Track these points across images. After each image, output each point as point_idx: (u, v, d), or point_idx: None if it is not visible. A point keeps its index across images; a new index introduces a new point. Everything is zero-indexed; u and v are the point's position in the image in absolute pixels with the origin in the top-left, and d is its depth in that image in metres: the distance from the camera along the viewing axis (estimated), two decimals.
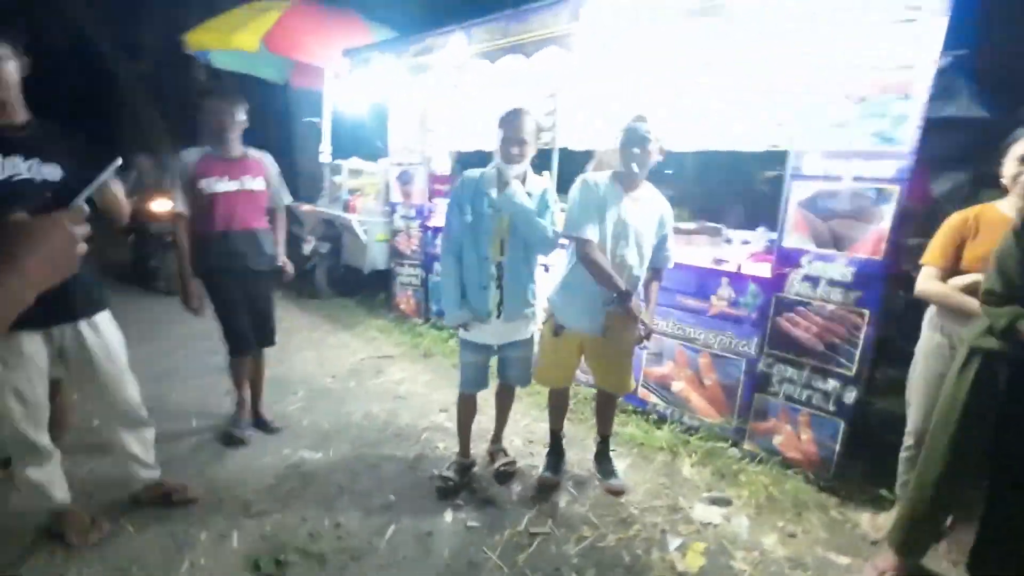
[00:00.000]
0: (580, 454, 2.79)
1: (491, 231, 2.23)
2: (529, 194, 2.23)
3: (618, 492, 2.47)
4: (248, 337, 2.79)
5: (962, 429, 1.67)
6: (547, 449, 2.68)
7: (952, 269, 1.85)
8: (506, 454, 2.72)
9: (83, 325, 1.94)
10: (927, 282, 1.87)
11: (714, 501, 2.46)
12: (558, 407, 2.62)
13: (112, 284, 6.10)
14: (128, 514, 2.23)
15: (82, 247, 0.66)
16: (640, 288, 2.31)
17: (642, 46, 2.63)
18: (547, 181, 2.39)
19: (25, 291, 0.59)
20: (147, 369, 3.71)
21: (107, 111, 10.49)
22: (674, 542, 2.21)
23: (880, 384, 3.13)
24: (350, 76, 4.29)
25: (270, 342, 2.94)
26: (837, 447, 2.44)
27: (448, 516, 2.34)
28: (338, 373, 3.87)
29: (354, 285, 5.59)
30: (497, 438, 2.75)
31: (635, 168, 2.11)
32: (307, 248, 5.57)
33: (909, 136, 2.11)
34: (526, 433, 3.08)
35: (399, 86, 4.11)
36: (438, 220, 4.43)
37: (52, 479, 1.99)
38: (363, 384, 3.70)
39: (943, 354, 1.96)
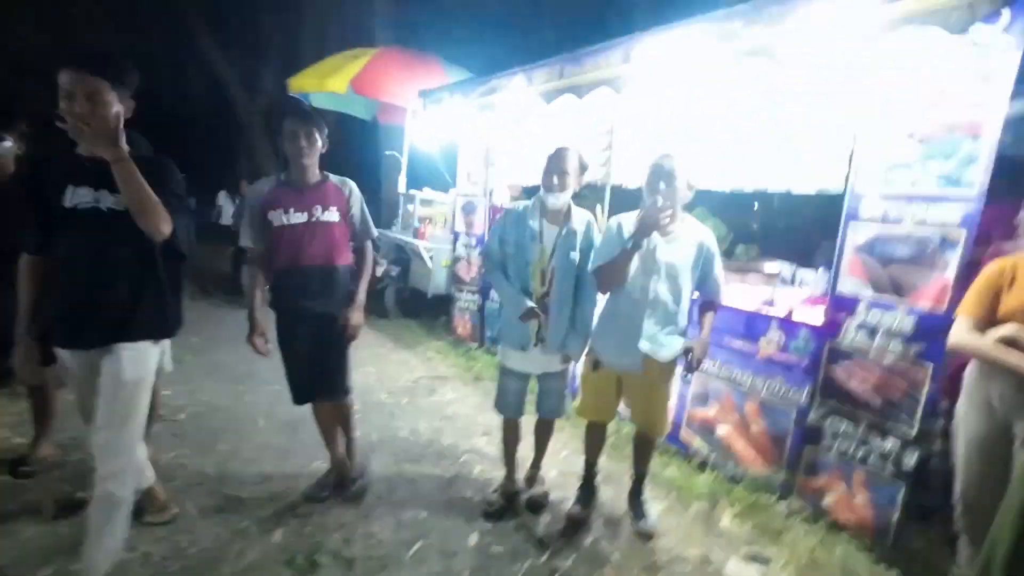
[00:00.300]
0: (617, 492, 2.73)
1: (532, 261, 2.34)
2: (574, 231, 2.33)
3: (647, 535, 2.40)
4: (304, 387, 2.51)
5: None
6: (580, 482, 2.66)
7: (989, 320, 1.69)
8: (543, 483, 2.74)
9: (104, 351, 1.86)
10: (962, 334, 1.71)
11: (751, 558, 2.32)
12: (594, 442, 2.60)
13: (216, 293, 6.91)
14: (195, 499, 2.51)
15: None
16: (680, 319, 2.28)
17: (692, 86, 2.65)
18: (589, 215, 2.45)
19: None
20: (228, 371, 4.18)
21: (232, 146, 12.04)
22: None
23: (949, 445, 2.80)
24: (425, 114, 4.64)
25: (330, 395, 2.57)
26: (896, 513, 2.22)
27: (474, 539, 2.39)
28: (394, 389, 4.09)
29: (419, 307, 5.89)
30: (535, 465, 2.78)
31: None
32: (380, 271, 5.98)
33: (978, 178, 1.96)
34: (563, 465, 3.08)
35: (467, 123, 4.39)
36: None
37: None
38: (415, 401, 3.88)
39: (983, 413, 1.78)
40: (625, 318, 2.27)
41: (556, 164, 2.30)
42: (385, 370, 4.49)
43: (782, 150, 2.65)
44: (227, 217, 7.73)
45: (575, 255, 2.35)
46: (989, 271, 1.82)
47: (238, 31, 10.72)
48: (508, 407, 2.56)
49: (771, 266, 3.30)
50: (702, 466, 2.94)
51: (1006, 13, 1.84)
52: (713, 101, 2.85)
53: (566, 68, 3.14)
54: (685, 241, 2.20)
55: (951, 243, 2.03)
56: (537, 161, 4.27)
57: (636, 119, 3.27)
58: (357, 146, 9.99)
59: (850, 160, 2.32)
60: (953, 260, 2.03)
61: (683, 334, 2.28)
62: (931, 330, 2.09)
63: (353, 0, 9.38)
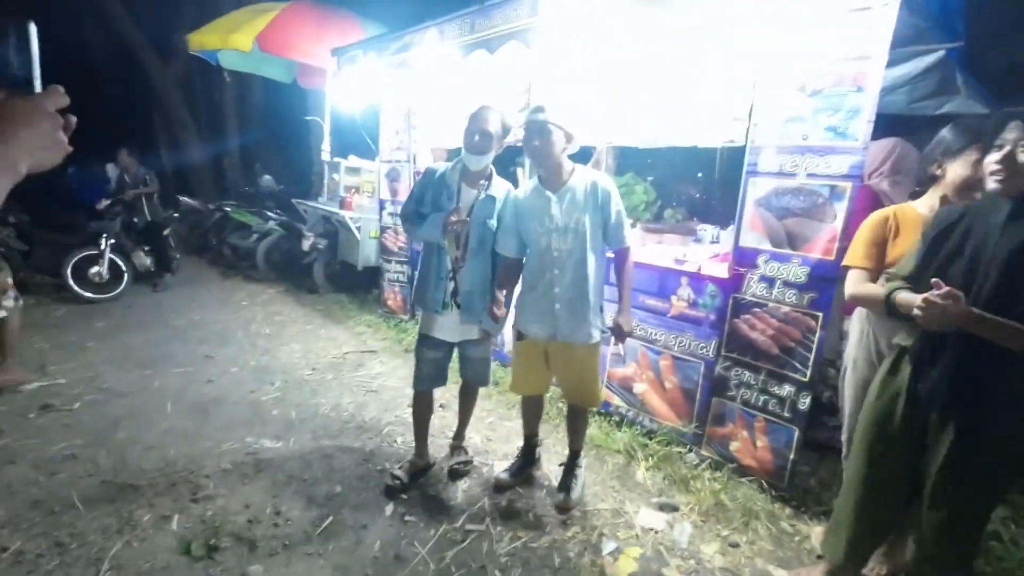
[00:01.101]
0: (544, 459, 2.73)
1: None
2: (492, 197, 2.27)
3: (563, 509, 2.35)
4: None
5: (881, 440, 1.57)
6: (517, 451, 2.63)
7: (879, 270, 1.75)
8: (465, 452, 2.71)
9: None
10: (856, 285, 1.76)
11: (661, 507, 2.40)
12: (529, 414, 2.56)
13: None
14: (82, 492, 2.33)
15: (69, 122, 0.66)
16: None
17: (597, 40, 2.58)
18: (509, 185, 2.38)
19: (19, 167, 0.61)
20: (135, 356, 3.89)
21: (146, 112, 11.01)
22: (609, 546, 2.16)
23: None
24: (340, 75, 4.36)
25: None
26: (791, 455, 2.34)
27: (388, 509, 2.35)
28: (319, 365, 3.94)
29: (350, 281, 5.68)
30: (459, 435, 2.74)
31: (541, 160, 2.13)
32: (307, 244, 5.70)
33: (862, 130, 2.01)
34: (487, 431, 3.08)
35: (385, 84, 4.16)
36: None
37: None
38: (340, 377, 3.75)
39: (870, 359, 1.88)
40: (536, 284, 2.24)
41: (476, 124, 2.21)
42: (311, 346, 4.32)
43: (689, 103, 2.64)
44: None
45: (492, 223, 2.28)
46: (872, 222, 1.83)
47: None
48: (425, 378, 2.49)
49: (693, 227, 3.35)
50: (620, 423, 3.00)
51: None
52: (622, 55, 2.79)
53: (477, 21, 2.99)
54: (576, 189, 2.15)
55: (839, 194, 2.09)
56: (459, 122, 4.18)
57: (551, 75, 3.17)
58: (283, 112, 9.40)
59: (750, 114, 2.33)
60: (841, 211, 2.09)
61: (598, 295, 2.22)
62: (822, 280, 2.17)
63: None
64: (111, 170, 6.50)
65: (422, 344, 2.47)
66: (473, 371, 2.53)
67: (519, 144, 3.55)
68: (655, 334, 2.82)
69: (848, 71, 2.03)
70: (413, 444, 2.73)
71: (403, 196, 4.55)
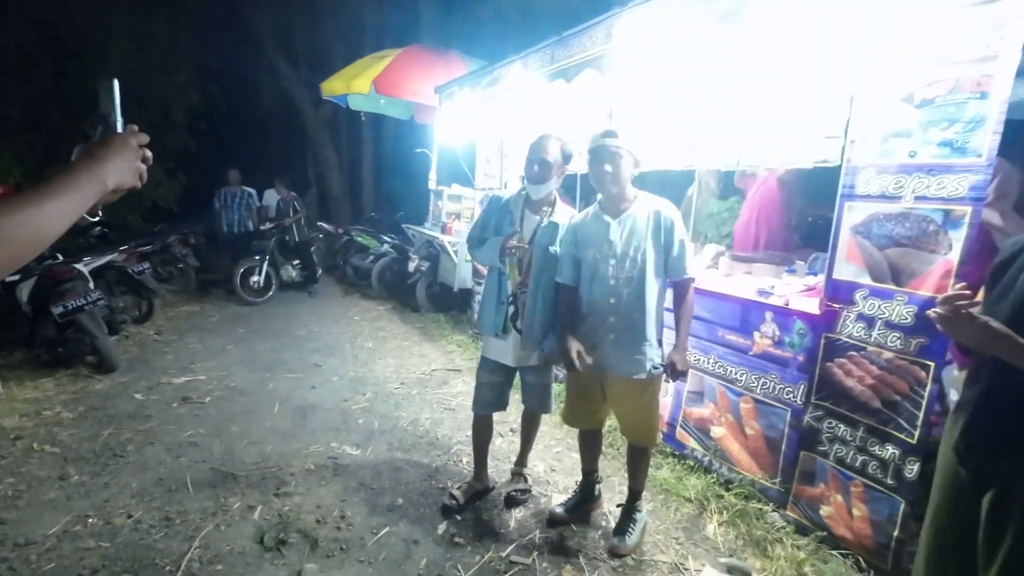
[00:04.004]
0: (606, 498, 2.59)
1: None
2: (555, 224, 2.29)
3: (616, 554, 2.21)
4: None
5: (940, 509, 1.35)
6: (576, 484, 2.55)
7: None
8: (525, 480, 2.69)
9: None
10: None
11: (729, 569, 2.13)
12: (586, 448, 2.47)
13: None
14: (195, 475, 2.71)
15: (147, 156, 0.83)
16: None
17: (675, 61, 2.48)
18: (574, 211, 2.39)
19: (107, 183, 0.77)
20: (260, 361, 4.47)
21: (301, 150, 12.92)
22: None
23: None
24: (442, 109, 4.70)
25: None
26: (896, 531, 1.95)
27: (441, 528, 2.39)
28: (407, 380, 4.19)
29: (448, 301, 5.98)
30: (520, 461, 2.73)
31: (607, 186, 2.05)
32: (412, 265, 6.14)
33: (987, 144, 1.66)
34: (553, 460, 3.01)
35: (479, 116, 4.39)
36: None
37: None
38: (424, 393, 3.95)
39: None
40: (590, 313, 2.18)
41: (535, 153, 2.25)
42: (404, 362, 4.61)
43: (777, 122, 2.39)
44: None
45: (554, 249, 2.27)
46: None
47: (303, 47, 11.43)
48: (483, 402, 2.51)
49: (790, 256, 3.02)
50: (695, 468, 2.74)
51: None
52: (701, 75, 2.63)
53: (557, 52, 3.05)
54: (638, 217, 2.07)
55: (955, 220, 1.74)
56: None
57: (630, 100, 3.10)
58: (407, 146, 10.33)
59: (846, 131, 2.05)
60: (958, 240, 1.74)
61: (656, 327, 2.11)
62: (933, 322, 1.80)
63: (403, 9, 9.71)
64: (269, 196, 7.74)
65: (482, 367, 2.50)
66: (532, 397, 2.51)
67: None
68: (735, 373, 2.55)
69: (968, 75, 1.70)
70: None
71: None
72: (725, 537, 2.32)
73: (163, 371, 4.16)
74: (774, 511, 2.37)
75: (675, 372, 2.05)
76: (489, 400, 2.50)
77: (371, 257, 7.19)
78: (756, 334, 2.44)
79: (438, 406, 3.72)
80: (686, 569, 2.15)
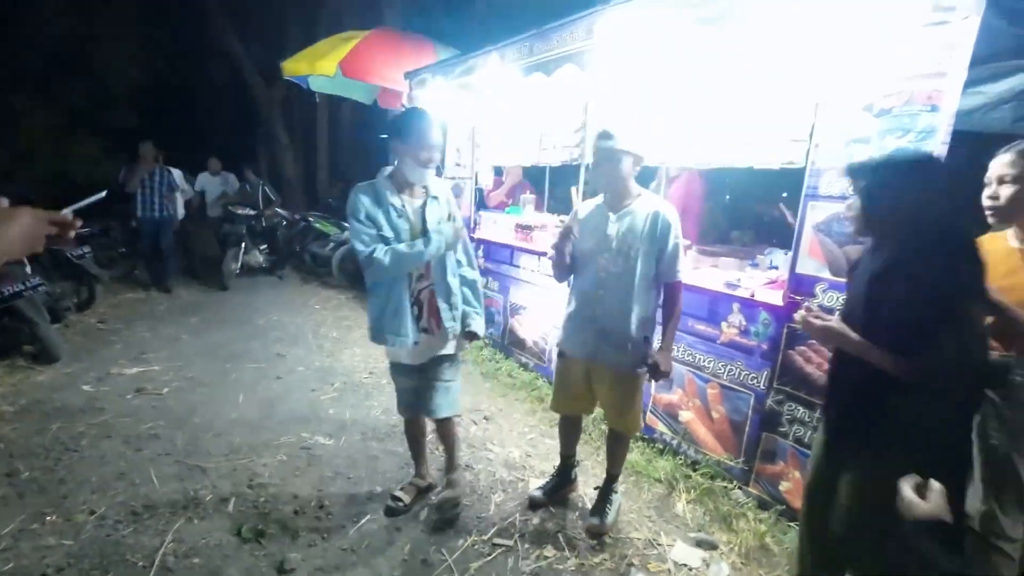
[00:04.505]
0: (581, 481, 2.69)
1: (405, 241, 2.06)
2: (436, 196, 2.14)
3: (594, 533, 2.30)
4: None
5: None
6: (554, 468, 2.62)
7: None
8: (455, 486, 2.45)
9: None
10: None
11: (698, 543, 2.28)
12: (566, 434, 2.53)
13: (212, 279, 7.10)
14: (159, 469, 2.61)
15: (57, 219, 0.90)
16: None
17: (653, 61, 2.57)
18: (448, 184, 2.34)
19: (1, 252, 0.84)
20: (220, 351, 4.29)
21: (251, 130, 12.30)
22: None
23: None
24: (412, 96, 4.63)
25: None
26: None
27: (422, 515, 2.42)
28: (376, 370, 4.14)
29: None
30: (450, 466, 2.52)
31: (607, 184, 2.12)
32: None
33: (937, 152, 1.84)
34: (528, 447, 3.08)
35: (451, 105, 4.36)
36: (483, 232, 4.59)
37: None
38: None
39: None
40: (580, 302, 2.24)
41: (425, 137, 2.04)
42: (374, 352, 4.53)
43: (748, 124, 2.53)
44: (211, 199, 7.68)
45: (444, 225, 2.10)
46: None
47: (257, 23, 10.87)
48: (404, 404, 2.39)
49: (752, 250, 3.20)
50: (663, 451, 2.89)
51: None
52: (677, 75, 2.75)
53: (535, 45, 3.08)
54: (638, 214, 2.12)
55: None
56: (520, 141, 4.27)
57: (607, 96, 3.18)
58: (368, 131, 10.08)
59: (811, 135, 2.21)
60: None
61: (642, 326, 2.14)
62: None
63: None
64: (204, 181, 7.52)
65: (395, 372, 2.34)
66: (443, 399, 2.29)
67: (575, 163, 3.61)
68: (703, 361, 2.70)
69: (921, 89, 1.87)
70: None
71: (464, 211, 4.70)
72: (693, 514, 2.47)
73: (112, 361, 3.93)
74: (738, 488, 2.54)
75: (658, 373, 2.10)
76: (411, 403, 2.35)
77: (331, 245, 7.01)
78: (724, 324, 2.59)
79: None
80: (659, 545, 2.28)
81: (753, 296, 2.51)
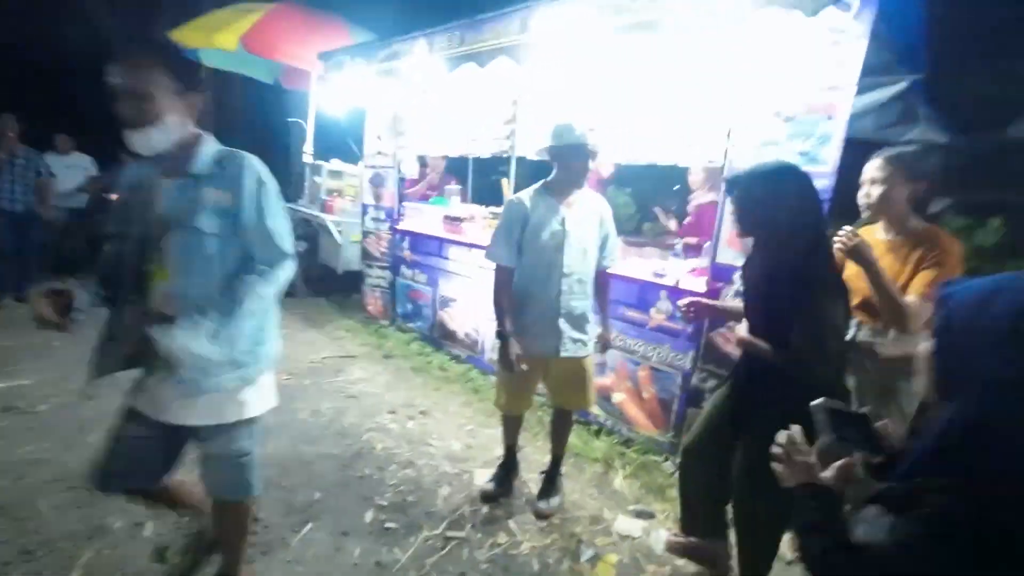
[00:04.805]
0: (523, 467, 2.73)
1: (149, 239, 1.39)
2: (199, 175, 1.40)
3: (544, 516, 2.38)
4: None
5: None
6: (498, 460, 2.64)
7: None
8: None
9: None
10: None
11: (637, 514, 2.46)
12: (513, 427, 2.54)
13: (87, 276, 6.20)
14: (50, 497, 2.26)
15: None
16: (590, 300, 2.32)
17: (587, 58, 2.67)
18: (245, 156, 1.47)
19: None
20: None
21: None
22: (587, 553, 2.21)
23: None
24: (326, 79, 4.37)
25: None
26: None
27: (368, 516, 2.35)
28: (297, 370, 3.90)
29: (330, 285, 5.64)
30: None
31: (580, 180, 2.18)
32: None
33: (832, 156, 2.12)
34: (468, 438, 3.09)
35: (372, 90, 4.18)
36: (407, 223, 4.48)
37: None
38: (319, 382, 3.73)
39: None
40: (540, 297, 2.22)
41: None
42: (289, 351, 4.16)
43: (673, 123, 2.73)
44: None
45: (213, 220, 1.36)
46: None
47: None
48: (105, 477, 1.53)
49: (673, 241, 3.46)
50: (599, 432, 3.06)
51: (855, 1, 1.99)
52: (609, 74, 2.88)
53: (467, 35, 3.05)
54: (589, 209, 2.22)
55: None
56: (447, 131, 4.21)
57: (539, 90, 3.25)
58: (263, 112, 9.28)
59: (728, 135, 2.43)
60: None
61: (593, 309, 2.32)
62: None
63: None
64: (51, 161, 5.84)
65: (125, 419, 1.52)
66: (221, 477, 1.62)
67: (505, 155, 3.64)
68: (634, 345, 2.89)
69: (820, 100, 2.15)
70: (393, 451, 2.76)
71: (387, 201, 4.56)
72: (631, 488, 2.65)
73: None
74: (668, 461, 2.77)
75: (605, 346, 2.32)
76: (128, 471, 1.53)
77: None
78: (653, 310, 2.79)
79: (338, 395, 3.55)
80: (603, 520, 2.42)
81: (678, 284, 2.72)
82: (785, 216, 1.59)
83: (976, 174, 3.10)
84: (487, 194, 5.63)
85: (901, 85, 3.18)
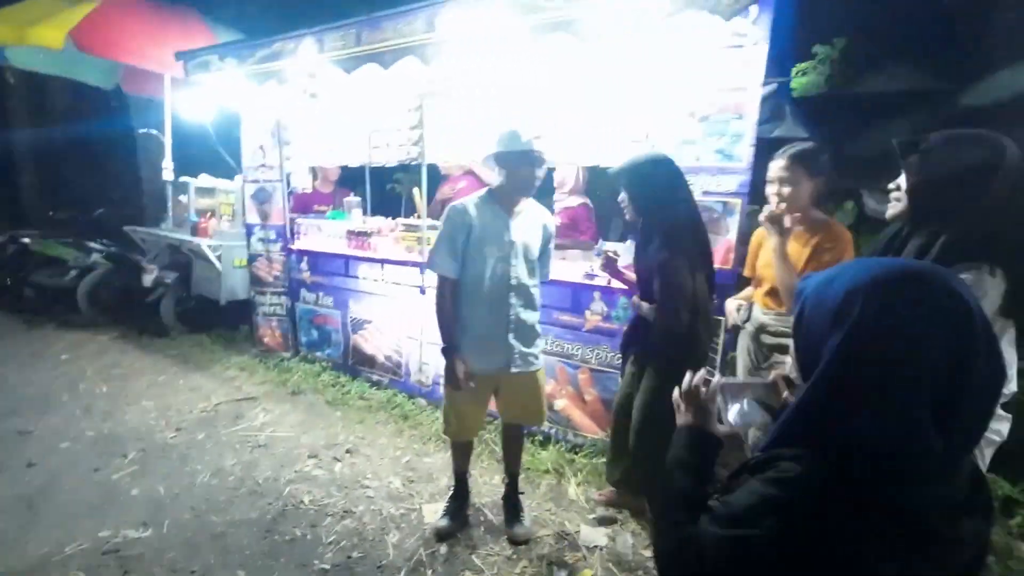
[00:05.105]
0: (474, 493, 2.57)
1: None
2: None
3: (523, 541, 2.26)
4: None
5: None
6: (447, 491, 2.45)
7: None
8: None
9: None
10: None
11: (599, 521, 2.42)
12: (464, 453, 2.39)
13: None
14: None
15: None
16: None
17: (501, 59, 2.58)
18: None
19: None
20: None
21: None
22: (561, 573, 2.12)
23: None
24: (188, 82, 3.77)
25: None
26: None
27: None
28: (184, 424, 3.31)
29: (209, 319, 4.91)
30: None
31: (531, 189, 2.08)
32: (149, 278, 4.81)
33: (746, 153, 2.26)
34: (406, 471, 2.84)
35: (247, 95, 3.69)
36: (304, 242, 4.04)
37: None
38: (215, 435, 3.19)
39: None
40: (488, 311, 2.09)
41: None
42: (169, 402, 3.61)
43: (591, 125, 2.74)
44: None
45: None
46: (752, 239, 2.27)
47: None
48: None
49: (594, 243, 3.50)
50: (545, 442, 2.99)
51: (754, 8, 2.12)
52: (522, 75, 2.82)
53: (364, 33, 2.78)
54: (533, 219, 2.14)
55: (731, 209, 2.33)
56: (342, 139, 3.85)
57: (447, 93, 3.08)
58: (98, 123, 7.90)
59: (647, 136, 2.49)
60: (734, 224, 2.33)
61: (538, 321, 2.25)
62: (721, 288, 2.38)
63: None
64: None
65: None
66: None
67: (414, 162, 3.41)
68: (571, 349, 2.86)
69: (729, 100, 2.28)
70: (324, 501, 2.45)
71: (276, 218, 4.07)
72: (586, 495, 2.61)
73: None
74: None
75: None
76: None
77: (72, 272, 5.32)
78: (587, 312, 2.78)
79: (243, 446, 3.07)
80: (567, 535, 2.34)
81: (610, 283, 2.74)
82: (653, 196, 2.02)
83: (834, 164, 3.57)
84: (386, 205, 5.30)
85: (772, 87, 3.55)
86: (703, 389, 1.06)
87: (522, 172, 2.03)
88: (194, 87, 3.82)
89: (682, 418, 1.07)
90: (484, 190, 2.16)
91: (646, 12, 2.05)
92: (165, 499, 2.55)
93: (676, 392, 1.10)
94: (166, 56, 4.03)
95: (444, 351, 2.08)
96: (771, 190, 2.04)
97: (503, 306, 2.10)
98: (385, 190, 5.97)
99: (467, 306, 2.11)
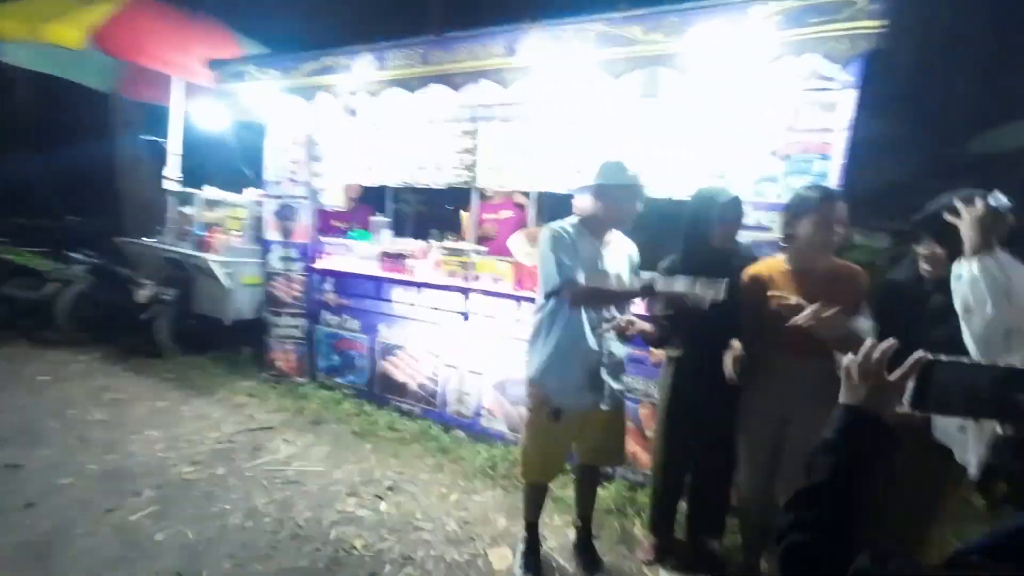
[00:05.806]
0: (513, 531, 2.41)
1: None
2: None
3: None
4: None
5: (667, 424, 2.21)
6: (523, 546, 2.26)
7: None
8: None
9: None
10: None
11: (674, 567, 2.31)
12: (538, 499, 2.24)
13: None
14: None
15: None
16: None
17: (579, 87, 2.56)
18: None
19: None
20: None
21: None
22: None
23: None
24: (217, 91, 3.59)
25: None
26: None
27: None
28: (200, 457, 3.02)
29: (209, 339, 4.59)
30: None
31: (628, 222, 2.05)
32: (144, 294, 4.47)
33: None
34: (458, 511, 2.65)
35: (281, 107, 3.54)
36: (329, 262, 3.84)
37: None
38: (237, 469, 2.92)
39: None
40: (583, 347, 2.00)
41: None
42: (177, 432, 3.30)
43: (667, 159, 2.74)
44: None
45: None
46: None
47: None
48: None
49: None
50: (605, 479, 2.87)
51: None
52: (599, 104, 2.81)
53: (431, 53, 2.71)
54: (621, 250, 2.12)
55: None
56: (382, 158, 3.72)
57: (506, 118, 3.04)
58: (87, 127, 7.43)
59: (722, 174, 2.51)
60: None
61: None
62: None
63: None
64: None
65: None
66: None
67: (466, 186, 3.32)
68: (633, 382, 2.78)
69: (814, 141, 2.32)
70: (380, 545, 2.25)
71: (300, 236, 3.87)
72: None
73: None
74: None
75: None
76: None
77: (50, 285, 4.88)
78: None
79: (272, 482, 2.81)
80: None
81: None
82: (685, 226, 2.07)
83: None
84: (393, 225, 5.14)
85: None
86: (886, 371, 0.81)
87: (624, 205, 2.00)
88: (208, 96, 3.63)
89: (849, 395, 0.84)
90: (573, 218, 2.10)
91: (754, 52, 2.06)
92: (197, 545, 2.28)
93: (848, 358, 0.85)
94: (185, 62, 3.85)
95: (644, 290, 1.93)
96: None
97: (597, 339, 2.03)
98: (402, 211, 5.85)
99: (563, 338, 2.02)
